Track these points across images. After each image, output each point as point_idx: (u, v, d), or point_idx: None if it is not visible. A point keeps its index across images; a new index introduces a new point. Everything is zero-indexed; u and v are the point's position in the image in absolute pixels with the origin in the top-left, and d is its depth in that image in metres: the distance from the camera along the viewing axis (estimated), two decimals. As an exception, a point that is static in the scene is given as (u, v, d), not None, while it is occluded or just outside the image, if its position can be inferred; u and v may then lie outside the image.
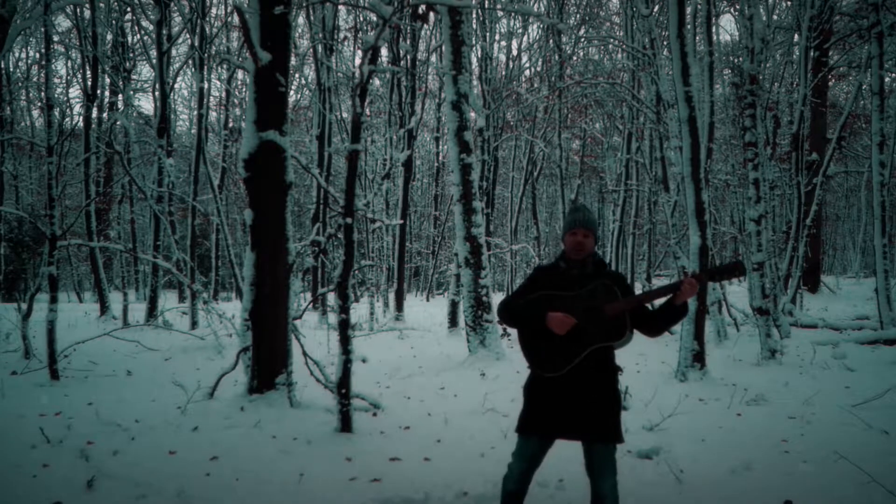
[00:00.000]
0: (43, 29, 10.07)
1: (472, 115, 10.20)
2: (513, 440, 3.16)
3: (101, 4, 17.61)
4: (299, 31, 22.24)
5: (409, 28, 17.51)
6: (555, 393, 3.03)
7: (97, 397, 6.51)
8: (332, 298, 16.42)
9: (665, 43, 13.57)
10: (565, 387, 3.01)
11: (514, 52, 24.64)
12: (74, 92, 38.62)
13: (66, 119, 23.40)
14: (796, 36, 17.31)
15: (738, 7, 14.22)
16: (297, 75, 20.40)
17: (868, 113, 16.91)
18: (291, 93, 20.58)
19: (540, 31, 23.93)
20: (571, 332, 2.99)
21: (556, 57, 21.79)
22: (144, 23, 18.13)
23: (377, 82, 21.71)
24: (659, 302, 3.14)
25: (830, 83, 23.00)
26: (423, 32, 20.28)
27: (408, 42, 18.57)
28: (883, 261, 11.36)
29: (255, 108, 6.13)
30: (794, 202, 15.64)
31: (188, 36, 17.04)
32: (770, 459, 4.55)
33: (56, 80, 26.67)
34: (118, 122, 18.23)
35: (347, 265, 5.28)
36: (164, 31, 15.23)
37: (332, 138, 20.97)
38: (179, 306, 16.47)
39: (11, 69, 25.38)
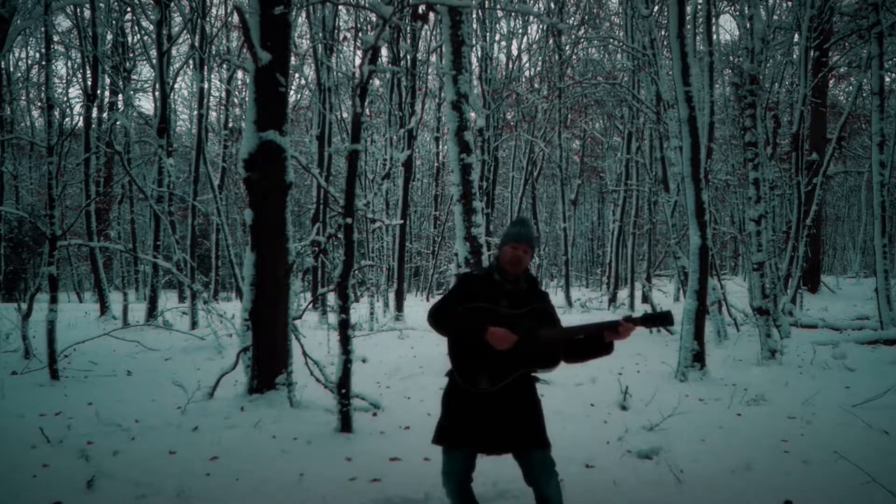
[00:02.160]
0: (43, 29, 10.07)
1: (472, 115, 10.20)
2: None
3: (101, 4, 17.63)
4: (299, 31, 22.26)
5: (409, 28, 17.51)
6: (477, 407, 2.98)
7: (97, 397, 6.51)
8: (332, 298, 16.43)
9: (665, 43, 13.58)
10: (488, 401, 2.97)
11: (515, 53, 24.69)
12: (74, 92, 38.72)
13: (66, 119, 23.41)
14: (796, 36, 17.32)
15: (738, 7, 14.22)
16: (297, 75, 20.39)
17: (868, 113, 16.90)
18: (291, 93, 20.58)
19: (540, 32, 23.94)
20: (506, 351, 2.93)
21: (557, 57, 21.80)
22: (144, 23, 18.15)
23: (377, 82, 21.73)
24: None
25: (830, 83, 23.00)
26: (423, 32, 20.28)
27: (408, 42, 18.57)
28: (883, 261, 11.36)
29: (255, 108, 6.14)
30: (794, 202, 15.65)
31: (188, 36, 17.04)
32: (770, 459, 4.55)
33: (56, 80, 26.69)
34: (118, 122, 18.24)
35: (347, 265, 5.28)
36: (164, 31, 15.24)
37: (332, 138, 20.97)
38: (179, 306, 16.47)
39: (11, 69, 25.40)
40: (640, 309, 20.31)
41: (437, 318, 3.00)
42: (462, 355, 3.01)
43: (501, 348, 2.90)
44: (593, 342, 3.04)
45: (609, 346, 3.04)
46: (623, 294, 23.27)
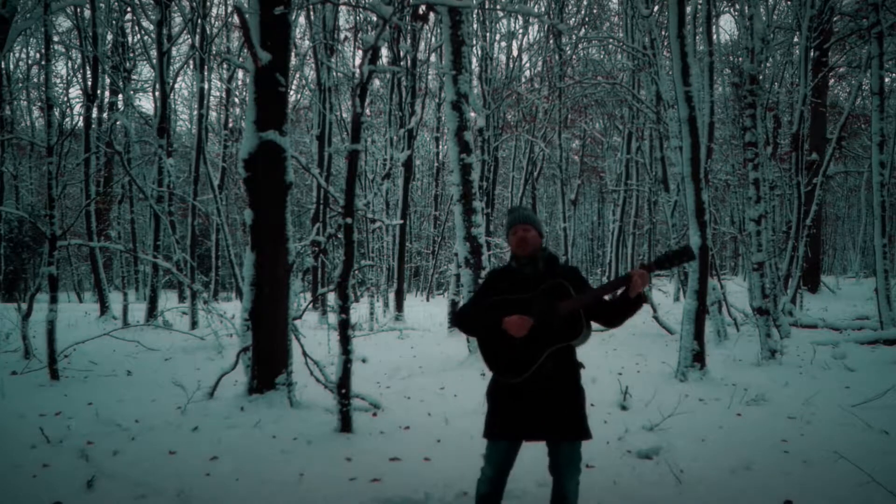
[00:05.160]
0: (43, 29, 10.07)
1: (472, 115, 10.20)
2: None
3: (102, 4, 17.62)
4: (299, 31, 22.26)
5: (409, 28, 17.51)
6: (518, 396, 3.03)
7: (97, 397, 6.51)
8: (332, 298, 16.42)
9: (665, 43, 13.58)
10: (528, 389, 3.02)
11: (515, 53, 24.68)
12: (74, 92, 38.73)
13: (66, 119, 23.40)
14: (796, 36, 17.32)
15: (738, 7, 14.22)
16: (297, 75, 20.39)
17: (868, 113, 16.90)
18: (291, 93, 20.58)
19: (540, 32, 23.94)
20: (529, 335, 2.99)
21: (557, 57, 21.81)
22: (145, 23, 18.14)
23: (377, 82, 21.73)
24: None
25: (830, 83, 23.00)
26: (423, 32, 20.28)
27: (408, 42, 18.57)
28: (883, 261, 11.35)
29: (255, 108, 6.14)
30: (794, 202, 15.64)
31: (188, 36, 17.04)
32: (770, 459, 4.55)
33: (56, 80, 26.68)
34: (118, 122, 18.24)
35: (347, 265, 5.28)
36: (165, 31, 15.23)
37: (332, 138, 20.96)
38: (179, 306, 16.46)
39: (11, 69, 25.39)
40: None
41: (461, 321, 3.15)
42: (490, 349, 3.09)
43: (519, 335, 2.96)
44: (622, 302, 3.05)
45: (637, 301, 3.03)
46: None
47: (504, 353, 3.05)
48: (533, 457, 3.56)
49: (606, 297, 3.13)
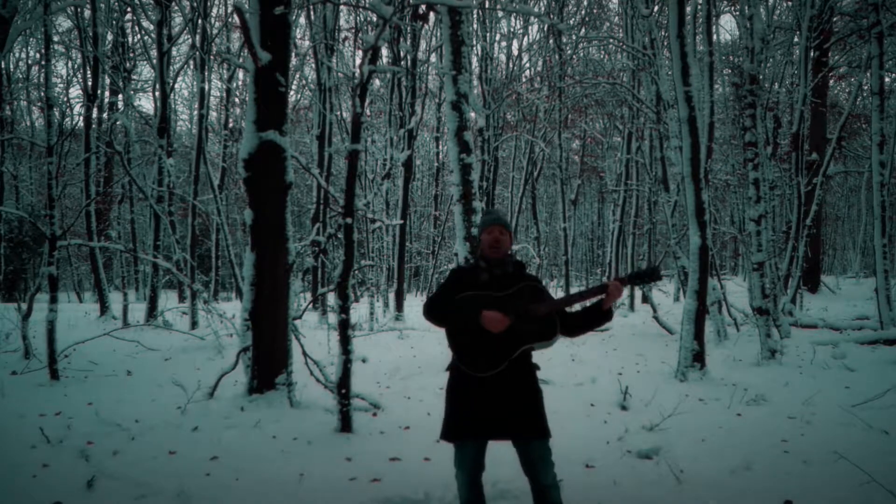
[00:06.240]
0: (43, 29, 10.08)
1: (472, 115, 10.20)
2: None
3: (102, 4, 17.62)
4: (299, 31, 22.26)
5: (409, 28, 17.50)
6: (481, 394, 3.03)
7: (97, 397, 6.51)
8: (332, 298, 16.42)
9: (665, 43, 13.58)
10: (491, 387, 3.02)
11: (515, 53, 24.68)
12: (74, 92, 38.73)
13: (66, 119, 23.39)
14: (796, 36, 17.32)
15: (738, 7, 14.22)
16: (297, 75, 20.39)
17: (868, 113, 16.90)
18: (291, 93, 20.58)
19: (540, 32, 23.95)
20: (503, 331, 3.00)
21: (557, 57, 21.80)
22: (145, 23, 18.14)
23: (377, 82, 21.72)
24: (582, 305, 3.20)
25: (830, 83, 23.00)
26: (423, 32, 20.28)
27: (408, 42, 18.57)
28: (883, 261, 11.35)
29: (255, 108, 6.14)
30: (794, 202, 15.65)
31: (189, 36, 17.04)
32: (770, 459, 4.55)
33: (56, 80, 26.70)
34: (118, 122, 18.23)
35: (347, 265, 5.28)
36: (165, 31, 15.24)
37: (333, 138, 20.97)
38: (179, 306, 16.46)
39: (11, 69, 25.39)
40: (640, 308, 20.31)
41: (432, 311, 3.08)
42: (462, 342, 3.09)
43: (496, 331, 2.96)
44: (591, 311, 3.10)
45: (608, 313, 3.09)
46: (623, 294, 23.32)
47: (477, 346, 3.04)
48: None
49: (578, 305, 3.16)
